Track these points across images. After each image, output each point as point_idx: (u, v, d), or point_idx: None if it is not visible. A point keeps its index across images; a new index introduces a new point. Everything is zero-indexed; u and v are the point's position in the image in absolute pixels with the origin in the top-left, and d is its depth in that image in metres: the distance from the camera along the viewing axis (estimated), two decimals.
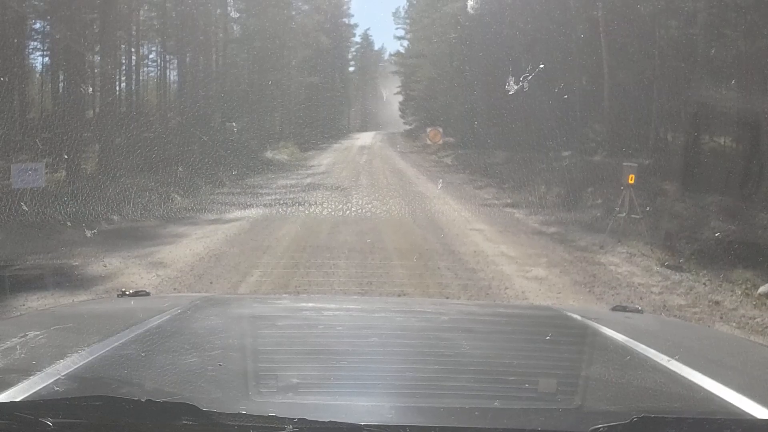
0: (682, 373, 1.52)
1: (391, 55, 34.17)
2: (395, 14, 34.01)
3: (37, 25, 16.75)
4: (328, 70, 27.58)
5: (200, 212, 12.61)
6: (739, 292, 7.75)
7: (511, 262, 8.93)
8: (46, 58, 17.75)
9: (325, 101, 24.56)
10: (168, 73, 20.96)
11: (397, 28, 42.11)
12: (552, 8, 17.17)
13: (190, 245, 9.87)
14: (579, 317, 2.22)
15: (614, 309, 2.51)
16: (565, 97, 15.05)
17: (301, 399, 1.37)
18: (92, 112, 16.20)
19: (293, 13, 24.94)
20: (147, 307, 2.20)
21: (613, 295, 7.42)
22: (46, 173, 10.94)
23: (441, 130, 21.64)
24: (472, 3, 19.52)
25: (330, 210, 12.52)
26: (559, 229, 11.45)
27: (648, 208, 11.02)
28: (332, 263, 8.56)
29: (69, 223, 9.92)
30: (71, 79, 15.27)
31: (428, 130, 22.58)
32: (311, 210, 12.70)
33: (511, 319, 2.42)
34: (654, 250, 9.71)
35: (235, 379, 1.44)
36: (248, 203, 13.79)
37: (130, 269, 8.42)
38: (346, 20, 32.44)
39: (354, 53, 34.67)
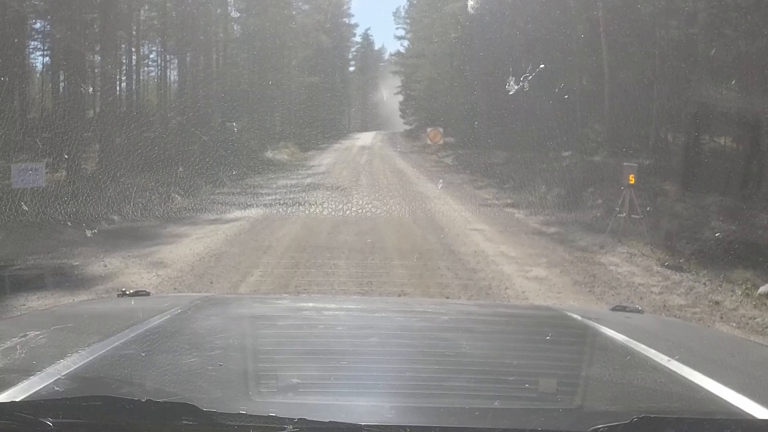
0: (682, 373, 1.52)
1: (391, 55, 34.26)
2: (395, 14, 34.11)
3: (38, 25, 16.77)
4: (329, 70, 27.60)
5: (200, 212, 12.62)
6: (739, 292, 7.75)
7: (512, 262, 8.93)
8: (47, 58, 17.79)
9: (325, 101, 24.58)
10: (168, 73, 20.99)
11: (397, 28, 42.28)
12: (552, 8, 17.17)
13: (191, 245, 9.88)
14: (579, 317, 2.22)
15: (614, 309, 2.51)
16: (566, 97, 15.04)
17: (301, 399, 1.37)
18: (92, 111, 16.20)
19: (293, 12, 24.97)
20: (147, 307, 2.19)
21: (613, 295, 7.41)
22: (47, 173, 10.95)
23: (441, 130, 21.64)
24: (472, 3, 19.53)
25: (330, 210, 12.53)
26: (559, 229, 11.45)
27: (648, 209, 11.02)
28: (332, 263, 8.56)
29: (69, 223, 9.93)
30: (71, 78, 15.27)
31: (428, 130, 22.58)
32: (311, 210, 12.71)
33: (512, 319, 2.42)
34: (654, 250, 9.71)
35: (235, 379, 1.44)
36: (248, 203, 13.80)
37: (130, 269, 8.42)
38: (346, 20, 32.52)
39: (354, 53, 34.76)
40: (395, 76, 30.24)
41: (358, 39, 34.48)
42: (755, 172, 11.89)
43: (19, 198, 9.72)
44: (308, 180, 17.47)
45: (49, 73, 17.45)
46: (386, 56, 35.26)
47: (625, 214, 10.41)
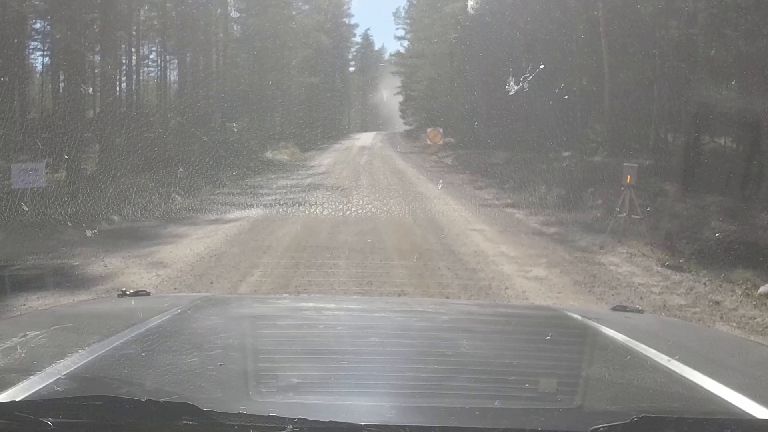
0: (682, 373, 1.52)
1: (391, 55, 34.24)
2: (395, 14, 34.08)
3: (38, 25, 16.78)
4: (329, 70, 27.59)
5: (200, 212, 12.62)
6: (740, 292, 7.75)
7: (512, 262, 8.93)
8: (47, 58, 17.79)
9: (325, 101, 24.56)
10: (168, 73, 20.99)
11: (397, 28, 42.26)
12: (552, 8, 17.17)
13: (191, 245, 9.87)
14: (579, 317, 2.22)
15: (614, 309, 2.51)
16: (566, 97, 15.05)
17: (301, 399, 1.37)
18: (92, 112, 16.20)
19: (293, 13, 24.95)
20: (147, 307, 2.19)
21: (613, 295, 7.41)
22: (47, 173, 10.95)
23: (441, 130, 21.63)
24: (472, 3, 19.54)
25: (330, 210, 12.53)
26: (559, 230, 11.44)
27: (648, 209, 11.02)
28: (332, 263, 8.56)
29: (69, 223, 9.92)
30: (71, 79, 15.27)
31: (428, 130, 22.56)
32: (311, 210, 12.71)
33: (512, 319, 2.42)
34: (654, 250, 9.71)
35: (235, 379, 1.44)
36: (248, 203, 13.80)
37: (130, 269, 8.42)
38: (346, 20, 32.50)
39: (354, 53, 34.73)
40: (395, 77, 30.23)
41: (358, 39, 34.49)
42: (755, 172, 11.89)
43: (19, 198, 9.72)
44: (308, 180, 17.47)
45: (49, 73, 17.46)
46: (386, 56, 35.28)
47: (625, 214, 10.40)
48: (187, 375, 1.45)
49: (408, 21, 30.33)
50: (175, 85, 20.86)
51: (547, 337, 2.04)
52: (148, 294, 2.57)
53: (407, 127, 29.18)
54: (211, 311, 2.23)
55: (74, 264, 8.67)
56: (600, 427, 1.11)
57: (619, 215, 10.52)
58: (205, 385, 1.39)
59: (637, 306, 2.62)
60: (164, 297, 3.57)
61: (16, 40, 14.04)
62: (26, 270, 8.00)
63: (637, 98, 14.78)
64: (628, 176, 10.43)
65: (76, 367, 1.40)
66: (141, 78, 19.78)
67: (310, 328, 2.05)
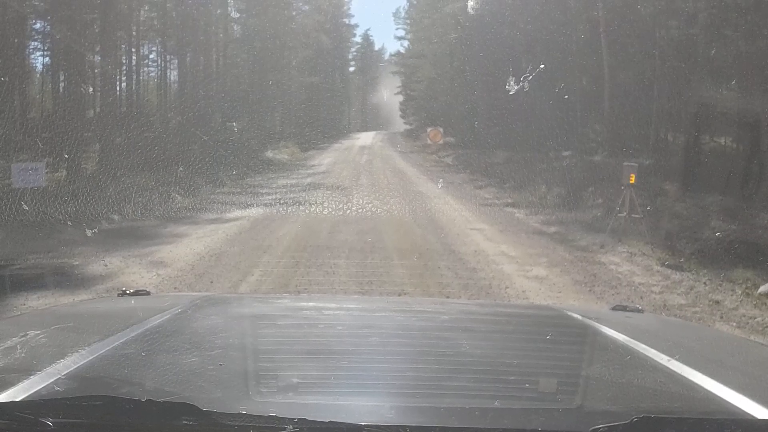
0: (682, 373, 1.52)
1: (391, 55, 34.26)
2: (395, 14, 34.07)
3: (38, 25, 16.77)
4: (329, 70, 27.62)
5: (200, 212, 12.62)
6: (740, 292, 7.74)
7: (512, 261, 8.93)
8: (47, 58, 17.77)
9: (325, 101, 24.58)
10: (168, 73, 20.98)
11: (397, 29, 42.27)
12: (552, 8, 17.16)
13: (191, 244, 9.88)
14: (579, 317, 2.22)
15: (614, 308, 2.50)
16: (566, 97, 15.04)
17: (301, 399, 1.37)
18: (93, 111, 16.19)
19: (294, 13, 24.96)
20: (147, 307, 2.19)
21: (613, 295, 7.41)
22: (47, 173, 10.96)
23: (441, 130, 21.63)
24: (472, 3, 19.53)
25: (330, 209, 12.53)
26: (559, 229, 11.44)
27: (648, 208, 11.02)
28: (333, 263, 8.56)
29: (69, 223, 9.92)
30: (72, 79, 15.26)
31: (429, 130, 22.56)
32: (312, 209, 12.71)
33: (512, 319, 2.42)
34: (654, 249, 9.71)
35: (236, 378, 1.44)
36: (249, 203, 13.80)
37: (130, 268, 8.42)
38: (346, 20, 32.51)
39: (354, 53, 34.74)
40: (395, 77, 30.24)
41: (358, 39, 34.51)
42: (755, 172, 11.89)
43: (19, 198, 9.72)
44: (308, 180, 17.47)
45: (49, 73, 17.44)
46: (386, 56, 35.29)
47: (625, 214, 10.40)
48: (187, 375, 1.45)
49: (408, 21, 30.37)
50: (175, 85, 20.86)
51: (547, 337, 2.04)
52: (148, 293, 2.57)
53: (407, 127, 29.20)
54: (211, 311, 2.23)
55: (74, 263, 8.67)
56: (600, 427, 1.11)
57: (619, 214, 10.52)
58: (205, 385, 1.39)
59: (637, 306, 2.62)
60: (164, 296, 3.57)
61: (16, 40, 14.04)
62: (26, 269, 8.00)
63: (637, 98, 14.77)
64: (629, 176, 10.43)
65: (76, 367, 1.40)
66: (141, 78, 19.77)
67: (310, 327, 2.05)
